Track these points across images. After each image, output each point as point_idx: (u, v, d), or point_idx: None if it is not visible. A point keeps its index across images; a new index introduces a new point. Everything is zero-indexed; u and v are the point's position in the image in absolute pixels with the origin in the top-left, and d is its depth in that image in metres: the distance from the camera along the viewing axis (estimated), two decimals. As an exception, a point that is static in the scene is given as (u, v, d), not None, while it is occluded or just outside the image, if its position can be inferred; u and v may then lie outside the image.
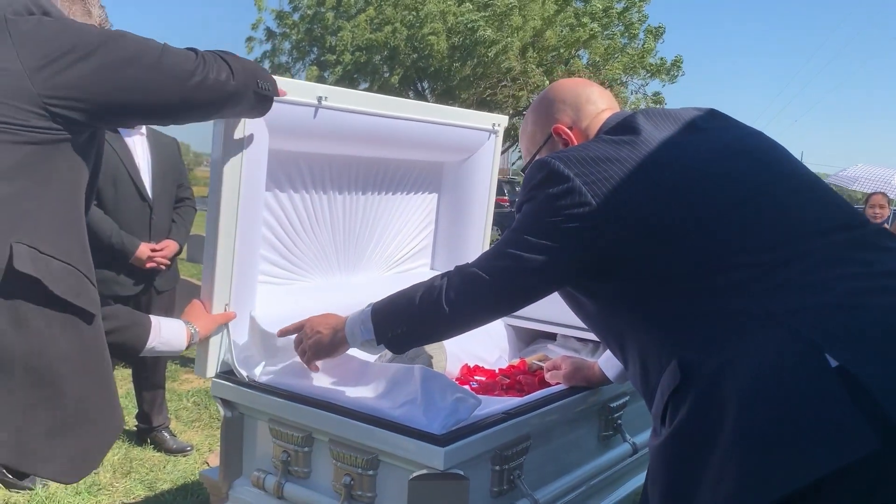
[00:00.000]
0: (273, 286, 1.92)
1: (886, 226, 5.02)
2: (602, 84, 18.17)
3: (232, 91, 1.39)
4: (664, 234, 1.20)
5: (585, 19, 16.64)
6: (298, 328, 1.59)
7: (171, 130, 3.68)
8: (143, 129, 3.44)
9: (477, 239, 2.39)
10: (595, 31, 16.44)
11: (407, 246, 2.33)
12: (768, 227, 1.20)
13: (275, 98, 1.52)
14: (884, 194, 5.86)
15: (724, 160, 1.28)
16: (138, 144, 3.38)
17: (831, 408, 0.97)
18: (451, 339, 1.53)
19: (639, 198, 1.22)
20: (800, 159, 1.40)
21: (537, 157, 1.44)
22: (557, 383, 1.74)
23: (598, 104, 1.47)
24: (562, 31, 16.31)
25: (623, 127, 1.35)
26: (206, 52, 1.39)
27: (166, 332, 1.58)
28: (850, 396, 0.96)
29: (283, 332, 1.63)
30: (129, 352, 1.54)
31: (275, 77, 1.54)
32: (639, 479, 1.90)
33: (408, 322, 1.39)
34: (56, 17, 1.26)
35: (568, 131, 1.45)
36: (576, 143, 1.42)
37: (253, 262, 1.74)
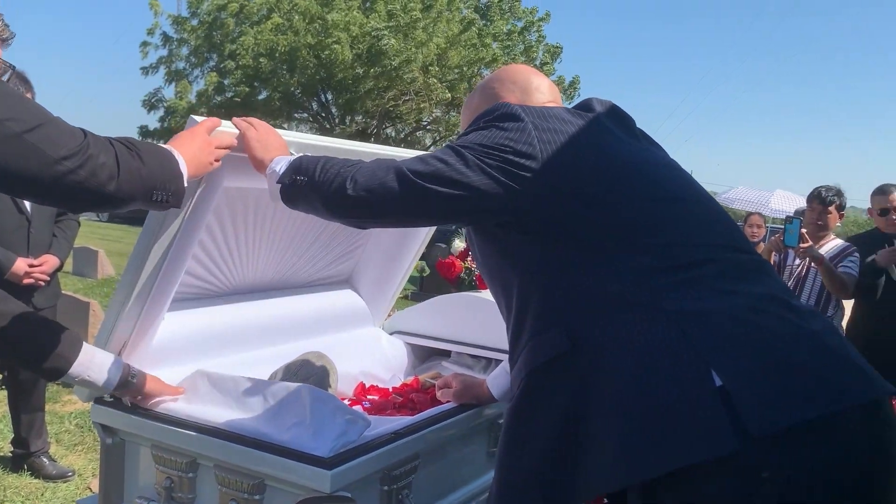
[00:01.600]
0: (184, 305, 1.85)
1: (762, 244, 5.35)
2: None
3: (107, 195, 1.21)
4: (591, 200, 1.24)
5: (488, 40, 16.99)
6: (248, 126, 1.54)
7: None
8: None
9: (402, 268, 2.42)
10: (497, 54, 16.81)
11: (329, 268, 2.29)
12: (687, 227, 1.27)
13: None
14: (760, 214, 6.27)
15: (657, 165, 1.37)
16: None
17: (704, 412, 1.06)
18: (331, 218, 1.43)
19: (582, 161, 1.27)
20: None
21: None
22: (448, 401, 1.77)
23: (545, 94, 1.51)
24: (465, 52, 16.57)
25: (578, 106, 1.42)
26: (100, 140, 1.23)
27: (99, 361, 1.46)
28: (723, 406, 1.06)
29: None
30: (51, 373, 1.43)
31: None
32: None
33: (312, 175, 1.37)
34: None
35: None
36: None
37: (167, 297, 1.66)
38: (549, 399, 1.21)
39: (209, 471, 1.48)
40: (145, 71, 19.08)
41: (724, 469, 1.05)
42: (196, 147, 1.42)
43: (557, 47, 18.16)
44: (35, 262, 3.21)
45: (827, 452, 1.07)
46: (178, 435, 1.49)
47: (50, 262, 3.29)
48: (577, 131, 1.30)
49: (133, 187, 1.24)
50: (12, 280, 3.14)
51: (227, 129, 1.52)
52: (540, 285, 1.27)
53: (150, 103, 19.20)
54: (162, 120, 19.19)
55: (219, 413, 1.51)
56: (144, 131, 19.58)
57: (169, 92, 19.26)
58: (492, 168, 1.26)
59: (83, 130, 1.22)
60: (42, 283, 3.25)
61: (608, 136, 1.34)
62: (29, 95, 3.29)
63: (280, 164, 1.44)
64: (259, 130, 1.53)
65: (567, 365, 1.19)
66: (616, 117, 1.41)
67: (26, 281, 3.17)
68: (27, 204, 3.21)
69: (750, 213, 6.30)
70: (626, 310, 1.16)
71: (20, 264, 3.14)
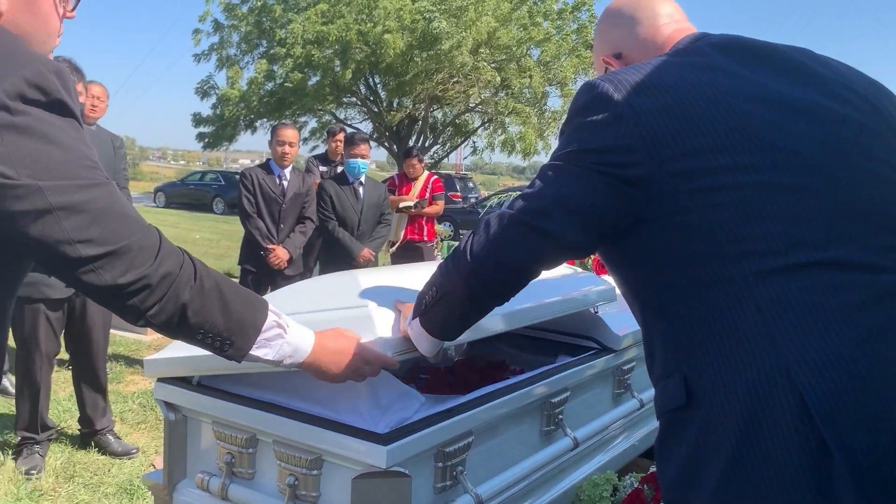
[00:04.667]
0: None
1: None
2: (550, 83, 18.27)
3: (145, 316, 1.09)
4: (700, 201, 1.06)
5: (539, 18, 16.78)
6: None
7: (114, 127, 3.63)
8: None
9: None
10: (549, 33, 16.59)
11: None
12: (814, 224, 1.05)
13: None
14: None
15: (797, 114, 1.11)
16: None
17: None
18: (486, 307, 1.29)
19: (693, 140, 1.07)
20: None
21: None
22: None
23: (671, 20, 1.31)
24: (515, 31, 16.41)
25: (693, 44, 1.21)
26: (194, 272, 1.12)
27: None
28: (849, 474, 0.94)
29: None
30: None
31: None
32: (580, 473, 1.95)
33: (437, 283, 1.29)
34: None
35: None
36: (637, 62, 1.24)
37: None
38: (673, 448, 1.13)
39: (268, 446, 1.52)
40: (197, 58, 19.44)
41: None
42: (335, 349, 1.32)
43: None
44: None
45: None
46: (237, 411, 1.53)
47: None
48: (685, 97, 1.10)
49: (169, 315, 1.11)
50: None
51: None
52: (657, 317, 1.16)
53: (203, 90, 19.55)
54: (214, 107, 19.53)
55: (278, 390, 1.54)
56: (198, 118, 19.95)
57: (220, 79, 19.57)
58: (589, 175, 1.12)
59: (159, 242, 1.10)
60: None
61: (729, 95, 1.11)
62: (80, 87, 3.38)
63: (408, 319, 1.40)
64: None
65: (685, 418, 1.09)
66: (741, 52, 1.19)
67: None
68: None
69: None
70: (738, 350, 1.03)
71: None
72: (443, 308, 1.30)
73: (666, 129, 1.08)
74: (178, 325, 1.13)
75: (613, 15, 1.39)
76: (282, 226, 4.62)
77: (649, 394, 2.35)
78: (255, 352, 1.21)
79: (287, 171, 4.66)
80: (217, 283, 1.17)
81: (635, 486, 1.85)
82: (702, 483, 1.05)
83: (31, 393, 3.36)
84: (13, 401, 3.91)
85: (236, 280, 5.85)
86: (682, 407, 1.09)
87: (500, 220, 1.19)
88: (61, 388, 4.25)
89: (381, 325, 1.46)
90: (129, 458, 3.52)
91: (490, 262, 1.19)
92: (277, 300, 1.66)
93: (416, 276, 1.57)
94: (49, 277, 3.27)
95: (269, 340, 1.23)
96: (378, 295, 1.57)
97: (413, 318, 1.38)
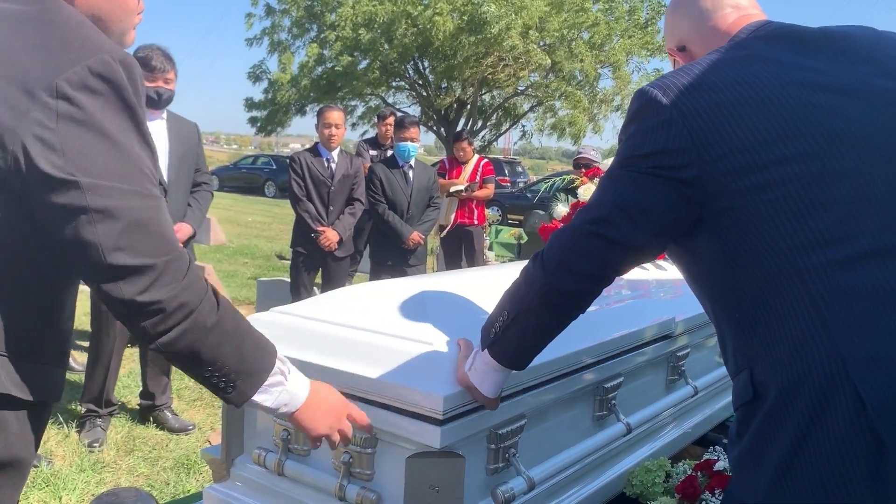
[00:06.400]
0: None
1: None
2: (602, 64, 17.99)
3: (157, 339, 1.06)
4: (760, 199, 1.06)
5: (588, 4, 16.56)
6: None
7: (192, 115, 3.71)
8: (164, 112, 3.48)
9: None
10: (599, 19, 16.35)
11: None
12: (876, 218, 1.04)
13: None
14: None
15: (859, 99, 1.10)
16: (157, 128, 3.42)
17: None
18: (564, 320, 1.27)
19: (748, 136, 1.07)
20: None
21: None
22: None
23: (736, 8, 1.28)
24: (566, 16, 16.19)
25: (749, 42, 1.19)
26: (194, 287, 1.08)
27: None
28: None
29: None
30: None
31: None
32: (632, 459, 1.94)
33: (507, 306, 1.27)
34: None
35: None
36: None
37: None
38: (741, 437, 1.14)
39: (323, 424, 1.54)
40: (249, 42, 19.67)
41: None
42: (327, 402, 1.29)
43: (661, 5, 17.45)
44: None
45: None
46: (294, 389, 1.55)
47: (183, 230, 3.49)
48: (733, 93, 1.09)
49: (183, 345, 1.08)
50: None
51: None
52: (723, 315, 1.17)
53: (255, 75, 19.80)
54: (266, 91, 19.77)
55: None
56: (250, 103, 20.22)
57: (272, 64, 19.78)
58: (645, 179, 1.13)
59: (186, 270, 1.07)
60: None
61: (780, 86, 1.10)
62: (171, 75, 3.44)
63: (471, 358, 1.36)
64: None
65: (752, 411, 1.10)
66: (792, 41, 1.17)
67: None
68: (164, 174, 3.41)
69: None
70: (795, 345, 1.03)
71: None
72: (517, 329, 1.27)
73: (714, 128, 1.08)
74: (188, 358, 1.10)
75: (679, 5, 1.37)
76: (331, 208, 4.67)
77: (703, 381, 2.31)
78: (255, 397, 1.18)
79: (335, 154, 4.70)
80: (236, 323, 1.15)
81: (688, 472, 1.83)
82: (760, 474, 1.06)
83: (102, 368, 3.48)
84: (75, 375, 4.06)
85: (288, 262, 5.95)
86: (749, 402, 1.10)
87: (566, 232, 1.21)
88: (122, 365, 4.39)
89: (434, 368, 1.42)
90: (186, 434, 3.63)
91: (563, 272, 1.19)
92: (332, 303, 1.68)
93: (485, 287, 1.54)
94: None
95: (271, 387, 1.20)
96: (442, 320, 1.55)
97: (480, 349, 1.34)
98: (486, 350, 1.32)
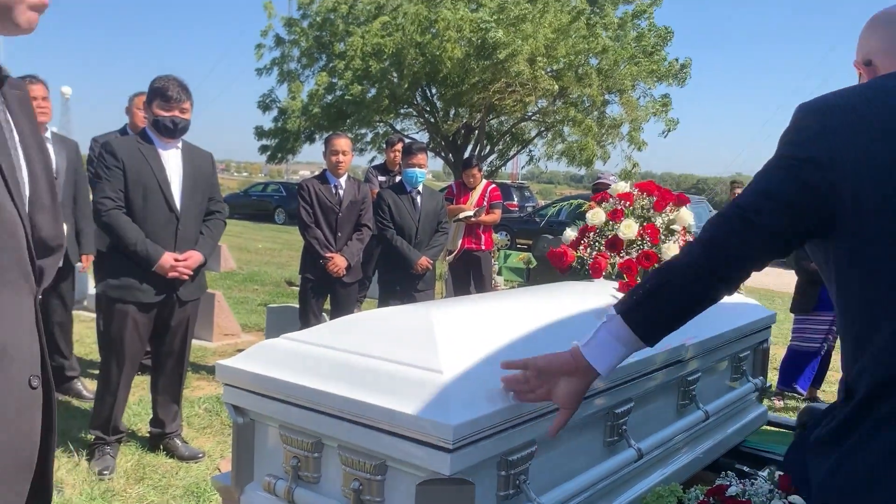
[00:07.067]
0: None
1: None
2: (609, 90, 18.06)
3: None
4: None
5: (598, 29, 16.65)
6: (521, 366, 1.46)
7: (203, 144, 3.76)
8: (179, 142, 3.53)
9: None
10: (607, 45, 16.44)
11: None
12: None
13: None
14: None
15: None
16: (172, 157, 3.48)
17: None
18: (715, 294, 1.31)
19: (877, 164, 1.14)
20: None
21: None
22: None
23: None
24: (573, 42, 16.29)
25: None
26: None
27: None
28: None
29: (507, 366, 1.48)
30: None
31: None
32: (643, 485, 1.92)
33: (656, 275, 1.33)
34: None
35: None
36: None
37: None
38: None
39: (333, 451, 1.54)
40: (259, 72, 19.89)
41: None
42: None
43: (668, 31, 17.58)
44: (180, 256, 3.44)
45: None
46: (304, 416, 1.56)
47: (194, 257, 3.51)
48: (879, 116, 1.16)
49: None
50: (159, 272, 3.39)
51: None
52: (843, 326, 1.25)
53: (265, 104, 19.99)
54: (276, 120, 19.95)
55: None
56: (260, 131, 20.39)
57: (282, 93, 19.97)
58: (791, 175, 1.21)
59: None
60: (185, 277, 3.48)
61: None
62: (187, 105, 3.54)
63: (596, 336, 1.36)
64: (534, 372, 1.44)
65: (836, 414, 1.23)
66: None
67: (171, 274, 3.40)
68: (177, 202, 3.45)
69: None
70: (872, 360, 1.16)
71: (167, 258, 3.38)
72: (663, 296, 1.30)
73: (855, 146, 1.15)
74: None
75: (876, 21, 1.39)
76: (339, 234, 4.69)
77: (714, 405, 2.30)
78: None
79: (342, 180, 4.74)
80: None
81: (700, 498, 1.81)
82: (831, 453, 1.19)
83: (110, 395, 3.49)
84: (84, 403, 4.06)
85: (297, 288, 5.91)
86: (839, 403, 1.24)
87: (723, 214, 1.28)
88: (132, 392, 4.40)
89: (443, 396, 1.42)
90: (196, 462, 3.62)
91: (716, 248, 1.27)
92: (341, 329, 1.68)
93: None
94: (141, 283, 3.39)
95: None
96: (451, 347, 1.56)
97: (615, 313, 1.34)
98: (618, 317, 1.32)
